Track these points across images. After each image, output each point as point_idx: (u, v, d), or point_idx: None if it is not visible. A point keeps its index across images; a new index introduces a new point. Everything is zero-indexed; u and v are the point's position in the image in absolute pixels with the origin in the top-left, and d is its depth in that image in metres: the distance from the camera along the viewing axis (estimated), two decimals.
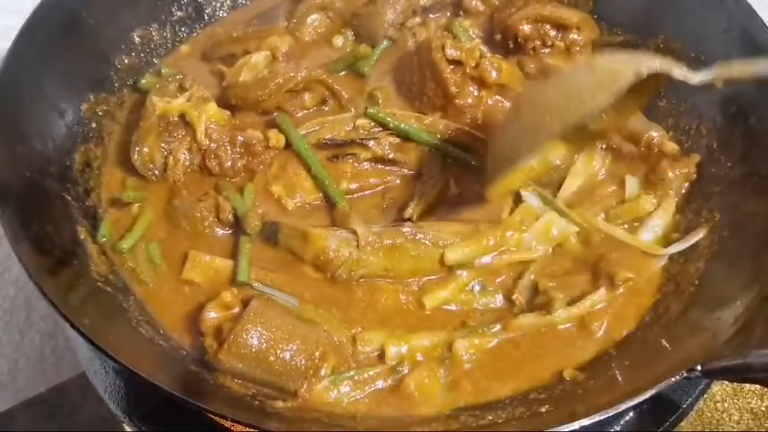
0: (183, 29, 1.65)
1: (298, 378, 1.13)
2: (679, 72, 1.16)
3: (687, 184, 1.38)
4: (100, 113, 1.48)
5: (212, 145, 1.38)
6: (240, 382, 1.14)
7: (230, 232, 1.33)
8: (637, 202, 1.37)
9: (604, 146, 1.41)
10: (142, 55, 1.58)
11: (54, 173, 1.33)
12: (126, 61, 1.55)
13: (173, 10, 1.64)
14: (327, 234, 1.27)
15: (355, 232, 1.27)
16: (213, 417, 1.20)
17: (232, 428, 1.23)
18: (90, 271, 1.24)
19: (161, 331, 1.24)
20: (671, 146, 1.40)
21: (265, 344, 1.12)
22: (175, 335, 1.24)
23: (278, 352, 1.12)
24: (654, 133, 1.41)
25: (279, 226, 1.30)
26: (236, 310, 1.16)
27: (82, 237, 1.29)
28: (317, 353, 1.14)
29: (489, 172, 1.31)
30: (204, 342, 1.15)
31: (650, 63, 1.16)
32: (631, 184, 1.39)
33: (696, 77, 1.16)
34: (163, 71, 1.57)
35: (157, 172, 1.39)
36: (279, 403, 1.13)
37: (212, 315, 1.16)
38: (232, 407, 1.08)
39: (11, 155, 1.26)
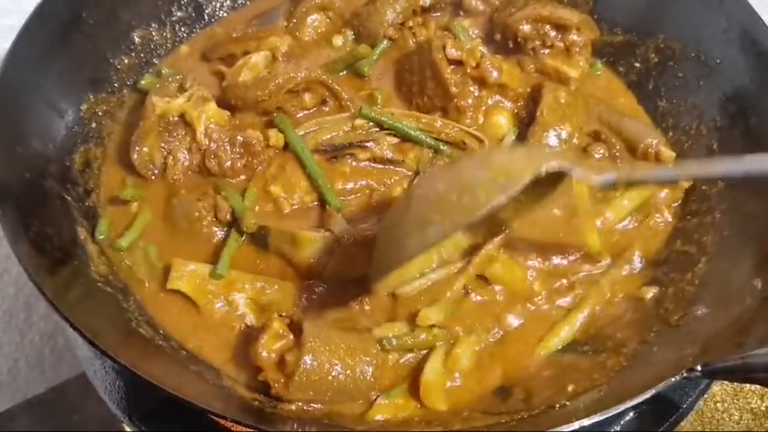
0: (183, 29, 1.65)
1: (369, 389, 1.13)
2: (581, 172, 1.09)
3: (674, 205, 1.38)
4: (100, 113, 1.48)
5: (212, 145, 1.38)
6: (307, 407, 1.12)
7: (228, 231, 1.33)
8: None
9: (605, 153, 1.40)
10: (142, 55, 1.58)
11: (54, 173, 1.33)
12: (126, 61, 1.55)
13: (173, 10, 1.63)
14: (316, 237, 1.26)
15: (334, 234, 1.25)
16: (213, 417, 1.20)
17: (232, 428, 1.23)
18: (90, 272, 1.24)
19: (161, 331, 1.23)
20: (668, 153, 1.40)
21: (332, 366, 1.09)
22: (176, 335, 1.24)
23: (346, 370, 1.10)
24: (651, 140, 1.41)
25: (268, 230, 1.29)
26: (291, 338, 1.13)
27: (81, 237, 1.29)
28: (377, 360, 1.13)
29: (374, 265, 1.16)
30: (266, 377, 1.11)
31: (550, 163, 1.07)
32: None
33: (597, 178, 1.11)
34: (163, 71, 1.57)
35: (156, 171, 1.39)
36: (280, 404, 1.13)
37: (266, 352, 1.11)
38: (232, 407, 1.08)
39: (11, 155, 1.25)
